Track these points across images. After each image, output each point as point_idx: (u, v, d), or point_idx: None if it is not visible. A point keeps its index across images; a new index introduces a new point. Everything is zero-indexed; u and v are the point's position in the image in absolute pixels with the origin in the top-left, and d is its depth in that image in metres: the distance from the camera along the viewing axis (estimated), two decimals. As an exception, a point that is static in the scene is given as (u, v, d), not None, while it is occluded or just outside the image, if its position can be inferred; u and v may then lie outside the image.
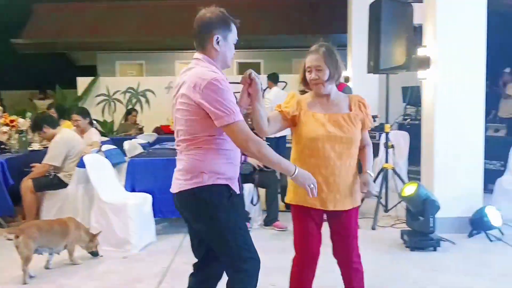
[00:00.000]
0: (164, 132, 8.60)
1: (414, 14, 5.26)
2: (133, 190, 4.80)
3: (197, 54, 2.28)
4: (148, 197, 4.65)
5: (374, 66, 5.23)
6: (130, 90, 11.19)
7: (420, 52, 4.97)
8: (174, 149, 5.62)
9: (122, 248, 4.36)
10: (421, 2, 5.12)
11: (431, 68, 4.84)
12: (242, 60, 12.52)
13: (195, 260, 2.50)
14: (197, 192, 2.22)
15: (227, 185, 2.25)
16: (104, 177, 4.72)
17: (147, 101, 11.12)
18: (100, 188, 4.50)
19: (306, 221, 2.61)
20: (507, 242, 4.53)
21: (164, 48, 12.45)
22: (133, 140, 6.79)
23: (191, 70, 2.23)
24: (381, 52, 5.06)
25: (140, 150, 6.20)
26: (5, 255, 4.16)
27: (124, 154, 6.02)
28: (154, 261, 4.12)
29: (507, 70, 8.86)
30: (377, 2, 5.18)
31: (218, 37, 2.23)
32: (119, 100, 11.17)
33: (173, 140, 6.36)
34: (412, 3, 5.38)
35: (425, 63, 4.89)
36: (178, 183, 2.28)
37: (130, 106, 10.79)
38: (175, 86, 2.30)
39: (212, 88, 2.10)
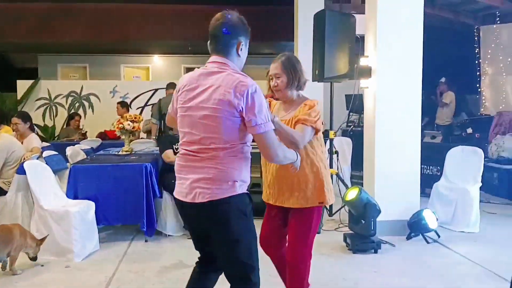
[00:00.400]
0: (109, 138, 8.41)
1: (356, 25, 5.47)
2: (75, 197, 4.66)
3: (217, 58, 2.21)
4: (91, 204, 4.54)
5: (319, 75, 5.37)
6: (72, 94, 10.86)
7: (362, 61, 5.18)
8: (119, 155, 5.56)
9: (64, 257, 4.23)
10: (363, 14, 5.33)
11: (372, 77, 5.05)
12: (190, 65, 12.46)
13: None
14: (232, 201, 2.13)
15: (249, 193, 2.24)
16: (45, 184, 4.56)
17: (91, 106, 10.82)
18: (41, 195, 4.35)
19: (267, 212, 2.96)
20: (442, 243, 4.78)
21: (110, 51, 12.19)
22: (76, 145, 6.59)
23: (220, 74, 2.14)
24: (326, 61, 5.21)
25: (83, 156, 6.04)
26: None
27: (66, 160, 5.84)
28: (98, 270, 4.02)
29: (443, 80, 9.37)
30: (321, 12, 5.33)
31: (242, 44, 2.24)
32: (61, 104, 10.81)
33: (118, 145, 6.22)
34: (355, 14, 5.59)
35: (366, 72, 5.09)
36: (206, 193, 2.12)
37: (72, 111, 10.47)
38: (189, 88, 2.20)
39: (255, 95, 2.08)
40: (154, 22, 11.44)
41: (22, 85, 10.64)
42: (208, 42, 2.26)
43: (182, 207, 2.26)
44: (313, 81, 5.71)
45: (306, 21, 7.85)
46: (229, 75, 2.13)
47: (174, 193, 2.28)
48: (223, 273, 2.33)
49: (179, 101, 2.25)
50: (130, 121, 5.49)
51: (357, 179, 7.06)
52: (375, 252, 4.44)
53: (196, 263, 2.44)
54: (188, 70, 13.20)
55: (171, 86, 7.60)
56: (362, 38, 5.43)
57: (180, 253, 4.41)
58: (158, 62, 13.28)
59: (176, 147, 5.10)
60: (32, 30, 11.68)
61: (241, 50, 2.24)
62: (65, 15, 11.58)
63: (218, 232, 2.18)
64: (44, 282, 3.80)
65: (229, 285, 2.29)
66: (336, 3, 9.10)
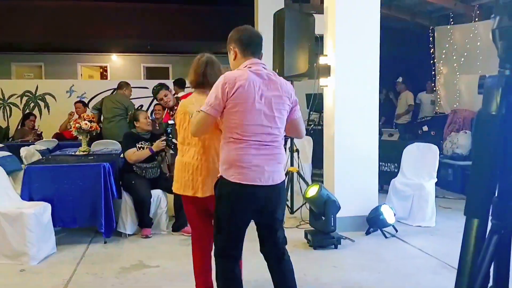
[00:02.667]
0: (66, 138, 8.16)
1: (316, 24, 5.53)
2: (30, 199, 4.51)
3: (258, 60, 2.67)
4: (47, 206, 4.40)
5: (279, 73, 5.33)
6: (27, 93, 10.51)
7: (322, 60, 5.25)
8: (76, 155, 5.43)
9: (19, 260, 4.09)
10: (322, 13, 5.40)
11: (331, 76, 5.13)
12: (150, 65, 12.32)
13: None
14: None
15: None
16: (-3, 186, 4.40)
17: (47, 106, 10.50)
18: (-7, 198, 4.19)
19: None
20: (400, 237, 4.90)
21: (66, 49, 11.88)
22: (31, 146, 6.38)
23: (275, 75, 2.67)
24: (285, 60, 5.24)
25: (38, 157, 5.85)
26: None
27: (21, 161, 5.64)
28: (55, 273, 3.91)
29: (400, 79, 9.61)
30: (281, 11, 5.37)
31: None
32: (15, 104, 10.42)
33: (74, 146, 6.06)
34: (314, 14, 5.66)
35: (325, 71, 5.16)
36: (281, 175, 2.66)
37: (27, 111, 10.13)
38: (254, 84, 2.52)
39: None
40: (112, 20, 11.23)
41: (-28, 85, 10.22)
42: (248, 46, 2.68)
43: (254, 192, 2.56)
44: (273, 79, 5.75)
45: (266, 21, 7.89)
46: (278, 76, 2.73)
47: (242, 180, 2.52)
48: None
49: (244, 96, 2.51)
50: (88, 120, 5.37)
51: (318, 177, 7.14)
52: (335, 247, 4.51)
53: (274, 263, 2.74)
54: (148, 69, 13.09)
55: (124, 85, 7.51)
56: (321, 38, 5.50)
57: (139, 254, 4.34)
58: (116, 61, 13.04)
59: (140, 145, 5.03)
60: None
61: None
62: (19, 12, 11.22)
63: (279, 207, 2.74)
64: (-3, 287, 3.67)
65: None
66: (295, 3, 9.19)
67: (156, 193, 4.99)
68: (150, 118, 5.70)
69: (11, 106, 10.40)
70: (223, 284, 2.62)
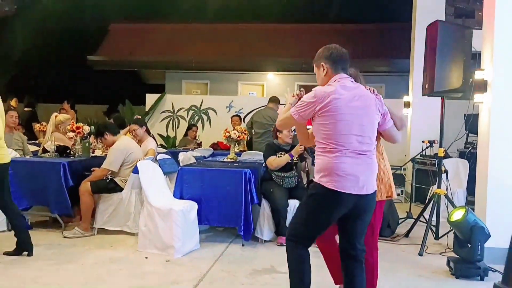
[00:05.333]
0: (220, 148, 8.82)
1: (476, 40, 5.13)
2: (181, 198, 4.97)
3: (347, 75, 2.88)
4: (194, 205, 4.81)
5: (429, 89, 5.13)
6: (193, 107, 11.62)
7: (477, 75, 4.83)
8: (224, 162, 5.82)
9: (166, 252, 4.52)
10: (481, 29, 5.00)
11: (488, 92, 4.68)
12: (303, 83, 12.65)
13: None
14: None
15: None
16: (154, 183, 4.94)
17: (208, 119, 11.47)
18: (150, 193, 4.71)
19: None
20: None
21: (227, 69, 12.88)
22: (188, 152, 7.03)
23: (363, 88, 2.89)
24: (436, 74, 4.96)
25: (193, 161, 6.41)
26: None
27: (178, 164, 6.24)
28: (194, 266, 4.24)
29: None
30: (434, 24, 5.11)
31: None
32: (182, 117, 11.60)
33: (225, 155, 6.48)
34: (477, 30, 5.25)
35: (481, 86, 4.73)
36: (374, 185, 2.82)
37: (192, 123, 11.18)
38: (345, 97, 2.74)
39: None
40: (269, 41, 11.83)
41: (150, 99, 11.64)
42: (338, 63, 2.88)
43: (348, 199, 2.70)
44: (422, 95, 5.48)
45: (422, 35, 7.59)
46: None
47: (344, 189, 2.67)
48: None
49: (337, 108, 2.72)
50: (240, 132, 5.78)
51: (473, 205, 6.53)
52: (481, 279, 4.07)
53: (347, 261, 2.89)
54: (302, 87, 13.48)
55: (275, 100, 7.87)
56: (479, 55, 5.08)
57: (272, 259, 4.47)
58: (272, 79, 13.68)
59: (279, 155, 5.22)
60: (160, 48, 12.82)
61: None
62: (188, 34, 12.52)
63: (371, 213, 2.89)
64: (145, 272, 4.11)
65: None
66: (458, 18, 8.63)
67: (293, 203, 5.09)
68: (293, 132, 5.86)
69: (179, 118, 11.60)
70: (296, 267, 2.84)
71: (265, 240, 5.08)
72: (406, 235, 5.55)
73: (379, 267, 3.30)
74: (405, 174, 8.55)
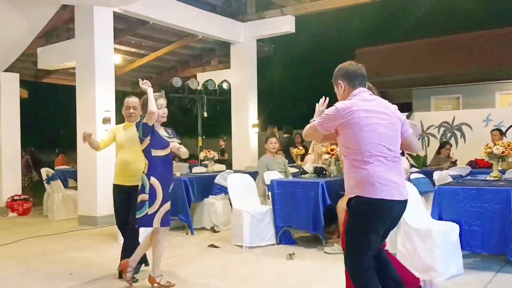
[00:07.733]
0: (480, 166, 8.08)
1: None
2: (440, 218, 4.75)
3: (365, 89, 3.04)
4: (455, 227, 4.53)
5: None
6: (444, 124, 11.02)
7: None
8: (486, 180, 5.37)
9: (427, 274, 4.36)
10: None
11: None
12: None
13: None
14: None
15: None
16: (411, 204, 4.83)
17: (462, 135, 10.69)
18: (407, 213, 4.63)
19: None
20: None
21: (482, 79, 11.83)
22: (443, 171, 6.69)
23: (382, 99, 3.04)
24: None
25: (450, 180, 6.07)
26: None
27: (433, 184, 6.00)
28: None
29: None
30: None
31: None
32: (432, 135, 11.12)
33: (487, 173, 5.97)
34: None
35: None
36: (406, 189, 2.96)
37: (444, 140, 10.61)
38: (366, 109, 2.88)
39: None
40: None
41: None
42: (354, 79, 3.04)
43: (393, 206, 2.84)
44: None
45: None
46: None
47: (392, 196, 2.80)
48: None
49: (362, 119, 2.85)
50: (501, 147, 5.24)
51: None
52: None
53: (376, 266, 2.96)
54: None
55: None
56: None
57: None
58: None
59: None
60: (407, 66, 12.65)
61: None
62: (435, 48, 12.00)
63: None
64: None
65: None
66: None
67: None
68: None
69: (429, 136, 11.15)
70: (366, 275, 2.89)
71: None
72: None
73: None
74: None
